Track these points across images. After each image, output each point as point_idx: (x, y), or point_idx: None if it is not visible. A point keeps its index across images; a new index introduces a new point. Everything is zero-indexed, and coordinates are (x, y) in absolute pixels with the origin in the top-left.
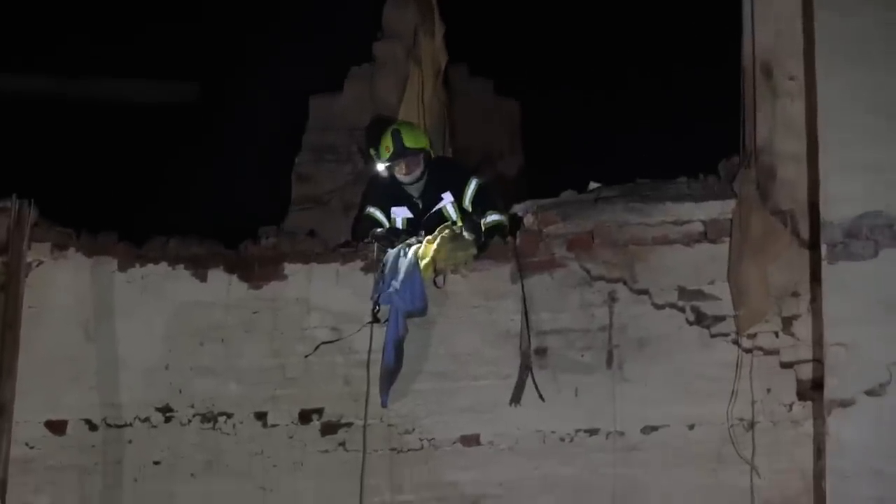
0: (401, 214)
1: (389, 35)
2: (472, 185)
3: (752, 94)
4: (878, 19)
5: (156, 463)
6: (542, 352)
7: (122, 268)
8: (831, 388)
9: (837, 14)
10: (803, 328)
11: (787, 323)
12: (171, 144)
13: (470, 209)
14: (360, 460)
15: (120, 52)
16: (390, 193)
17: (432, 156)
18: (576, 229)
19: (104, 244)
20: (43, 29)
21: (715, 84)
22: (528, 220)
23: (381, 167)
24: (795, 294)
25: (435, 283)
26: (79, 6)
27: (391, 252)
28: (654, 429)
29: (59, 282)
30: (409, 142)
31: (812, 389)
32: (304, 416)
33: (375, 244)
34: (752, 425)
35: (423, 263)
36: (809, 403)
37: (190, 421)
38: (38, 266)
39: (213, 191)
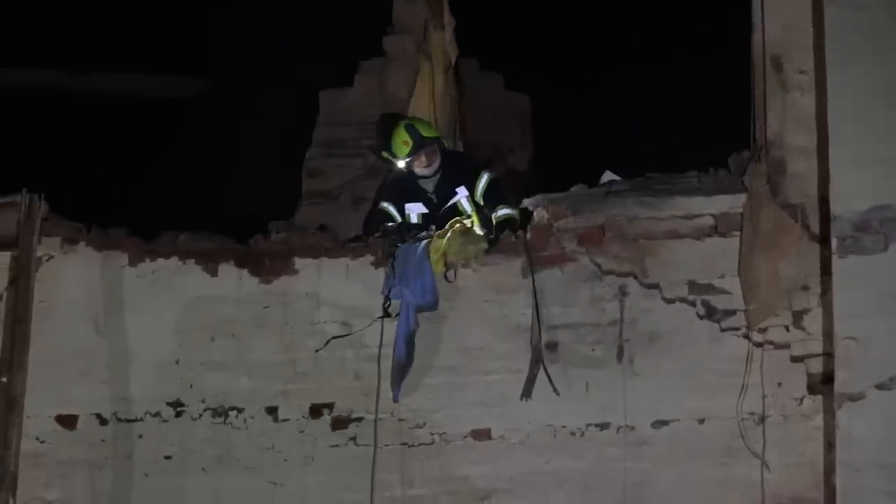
0: (416, 210)
1: (400, 29)
2: (484, 179)
3: (763, 87)
4: (888, 13)
5: (166, 457)
6: (552, 346)
7: (133, 262)
8: (842, 382)
9: (847, 7)
10: (814, 322)
11: (798, 317)
12: (181, 139)
13: (482, 203)
14: (370, 455)
15: (130, 47)
16: (404, 190)
17: (445, 145)
18: (586, 224)
19: (114, 239)
20: (54, 23)
21: (725, 78)
22: (539, 214)
23: (401, 164)
24: (806, 288)
25: (446, 277)
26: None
27: (402, 247)
28: (665, 423)
29: (70, 276)
30: (425, 132)
31: (822, 383)
32: (315, 411)
33: (386, 239)
34: (762, 419)
35: (433, 258)
36: (820, 397)
37: (201, 415)
38: (48, 260)
39: (224, 185)
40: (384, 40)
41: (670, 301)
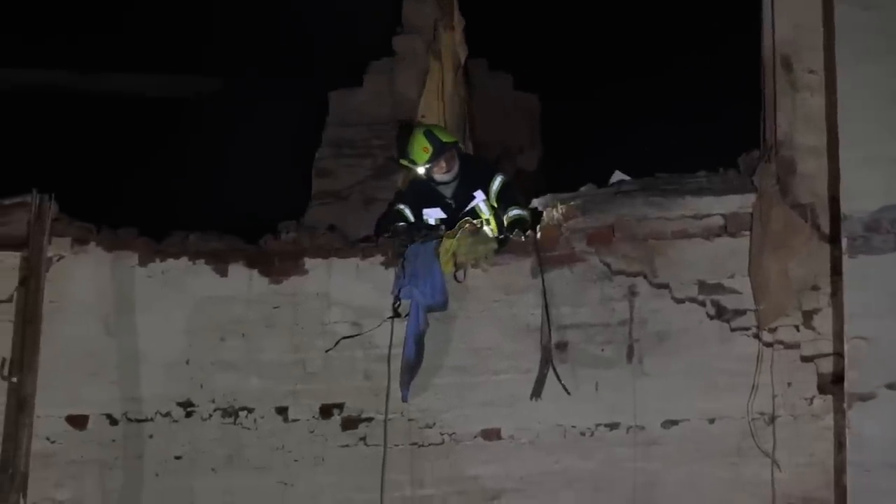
0: (434, 215)
1: (409, 29)
2: (497, 182)
3: (772, 87)
4: None
5: (177, 458)
6: (562, 346)
7: (143, 262)
8: (852, 382)
9: (857, 7)
10: (824, 322)
11: (808, 317)
12: (191, 139)
13: (495, 205)
14: (380, 455)
15: (139, 47)
16: (423, 195)
17: (462, 150)
18: (596, 223)
19: (124, 239)
20: (63, 23)
21: (735, 78)
22: (548, 214)
23: (421, 170)
24: (816, 288)
25: (455, 277)
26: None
27: (412, 247)
28: (675, 423)
29: (80, 276)
30: (444, 138)
31: (833, 383)
32: (325, 411)
33: (396, 239)
34: (772, 419)
35: (443, 258)
36: (830, 397)
37: (211, 416)
38: (58, 261)
39: (234, 185)
40: (394, 40)
41: (680, 301)
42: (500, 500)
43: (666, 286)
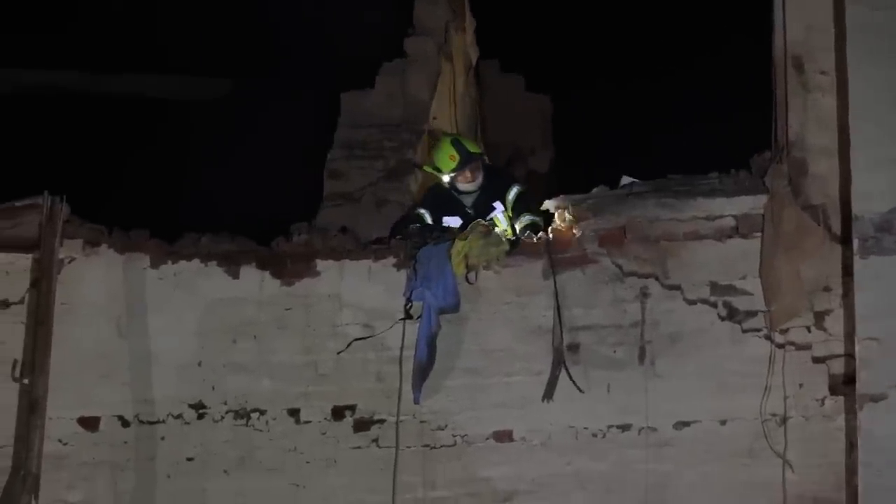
0: (452, 224)
1: (421, 31)
2: (513, 191)
3: (784, 88)
4: None
5: (189, 459)
6: (574, 348)
7: (155, 264)
8: (863, 383)
9: (869, 8)
10: (835, 323)
11: (819, 318)
12: (202, 141)
13: (510, 214)
14: (392, 457)
15: (150, 48)
16: (443, 203)
17: (486, 161)
18: (607, 225)
19: (136, 241)
20: (74, 24)
21: (746, 79)
22: (560, 215)
23: (445, 178)
24: (827, 289)
25: (467, 279)
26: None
27: (424, 248)
28: (687, 424)
29: (91, 278)
30: (471, 148)
31: (844, 384)
32: (337, 413)
33: (408, 241)
34: (784, 420)
35: (455, 260)
36: (841, 398)
37: (223, 417)
38: (70, 263)
39: (246, 187)
40: (405, 42)
41: (692, 302)
42: (512, 501)
43: (678, 287)
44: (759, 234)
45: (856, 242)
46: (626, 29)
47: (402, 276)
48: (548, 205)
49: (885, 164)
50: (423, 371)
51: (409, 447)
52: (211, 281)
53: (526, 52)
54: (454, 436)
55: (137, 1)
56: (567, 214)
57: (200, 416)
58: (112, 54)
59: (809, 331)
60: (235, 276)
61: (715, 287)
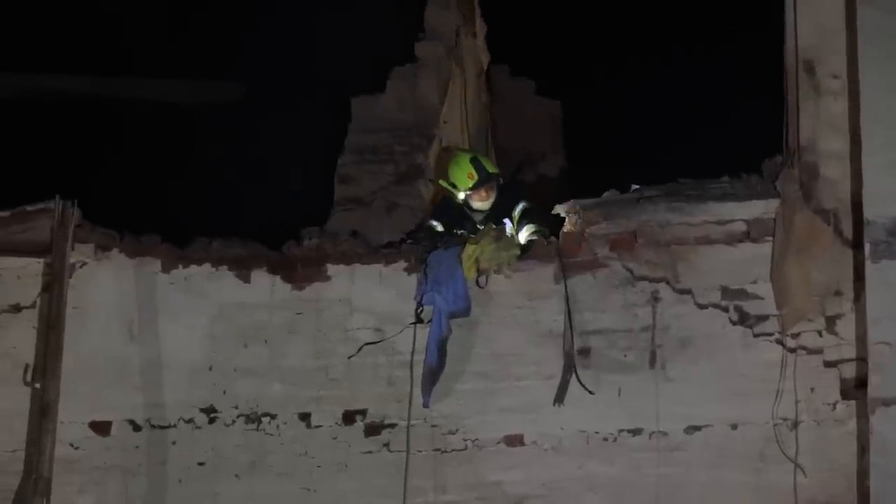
0: None
1: (431, 36)
2: (519, 207)
3: (795, 92)
4: None
5: (200, 464)
6: (585, 352)
7: (166, 269)
8: (875, 387)
9: (880, 11)
10: (847, 327)
11: (831, 322)
12: (213, 145)
13: (515, 229)
14: (403, 461)
15: (161, 53)
16: (454, 218)
17: (501, 181)
18: (618, 229)
19: (147, 245)
20: (86, 28)
21: (757, 83)
22: (571, 220)
23: (461, 195)
24: (839, 293)
25: (478, 283)
26: (124, 5)
27: (435, 253)
28: (698, 429)
29: (103, 283)
30: (489, 167)
31: (856, 388)
32: (348, 417)
33: (419, 245)
34: (795, 425)
35: (466, 264)
36: (853, 402)
37: (234, 422)
38: (81, 267)
39: (257, 192)
40: (416, 46)
41: (703, 307)
42: None
43: (689, 292)
44: (770, 238)
45: (867, 246)
46: (636, 33)
47: (413, 280)
48: (558, 209)
49: None
50: (433, 375)
51: (419, 451)
52: (222, 285)
53: (536, 57)
54: (465, 440)
55: (150, 5)
56: (578, 219)
57: (211, 421)
58: (124, 59)
59: (821, 335)
60: (246, 280)
61: (726, 291)
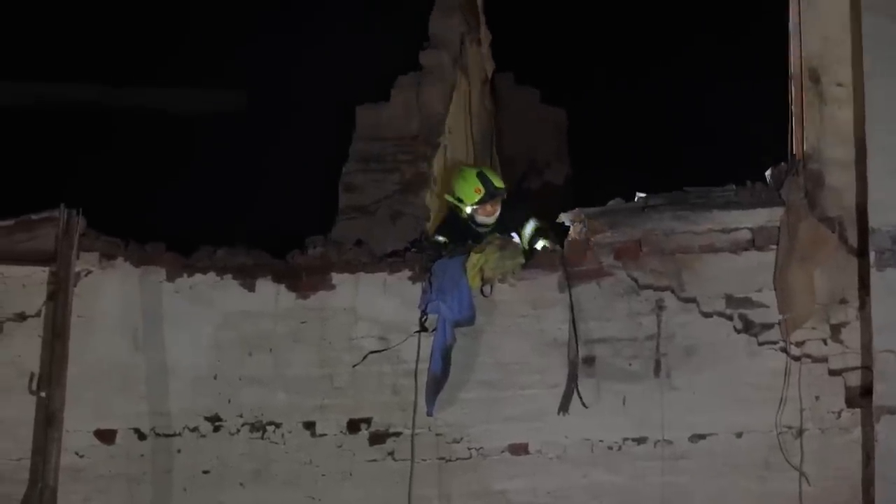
0: None
1: (436, 44)
2: (530, 226)
3: (800, 100)
4: None
5: (204, 472)
6: (589, 360)
7: (171, 277)
8: (880, 395)
9: (885, 19)
10: (852, 335)
11: (836, 330)
12: (218, 153)
13: (527, 249)
14: (408, 469)
15: (166, 62)
16: (459, 232)
17: (506, 196)
18: (623, 238)
19: (152, 254)
20: (89, 37)
21: (762, 91)
22: (576, 228)
23: (468, 210)
24: (844, 301)
25: (482, 291)
26: (128, 15)
27: (439, 261)
28: (702, 437)
29: (108, 291)
30: (496, 182)
31: (861, 396)
32: (353, 426)
33: (423, 254)
34: (800, 433)
35: (470, 273)
36: (858, 411)
37: (238, 430)
38: (86, 275)
39: (261, 200)
40: (420, 55)
41: (707, 315)
42: None
43: (693, 300)
44: (774, 246)
45: (872, 255)
46: (641, 41)
47: (418, 288)
48: (563, 218)
49: None
50: (436, 384)
51: (424, 460)
52: (226, 294)
53: (541, 65)
54: (469, 449)
55: (154, 14)
56: (583, 227)
57: (216, 429)
58: (129, 68)
59: (826, 343)
60: (251, 289)
61: (731, 300)
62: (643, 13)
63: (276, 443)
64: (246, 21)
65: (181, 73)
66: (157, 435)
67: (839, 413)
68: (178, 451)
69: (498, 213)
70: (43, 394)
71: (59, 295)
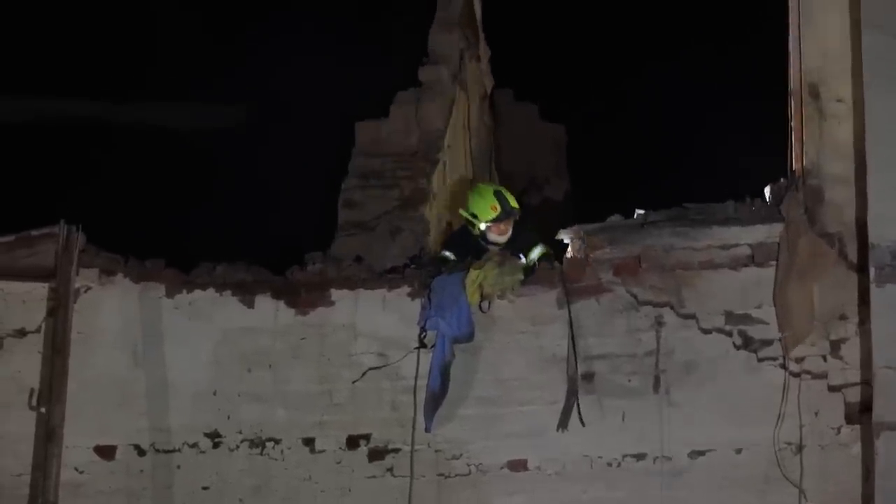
0: None
1: (435, 60)
2: (537, 251)
3: (800, 116)
4: None
5: (204, 488)
6: (589, 377)
7: (170, 294)
8: (879, 411)
9: (885, 35)
10: (851, 351)
11: (836, 346)
12: (218, 170)
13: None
14: (407, 486)
15: (166, 78)
16: (467, 250)
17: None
18: (622, 254)
19: (152, 270)
20: (89, 53)
21: (762, 107)
22: (575, 245)
23: (482, 227)
24: (843, 317)
25: (481, 308)
26: (127, 31)
27: (438, 278)
28: (702, 453)
29: (108, 307)
30: (512, 202)
31: (860, 413)
32: (352, 442)
33: (422, 270)
34: (800, 449)
35: (469, 289)
36: (857, 427)
37: (238, 446)
38: (86, 292)
39: (261, 217)
40: (420, 71)
41: (707, 331)
42: None
43: (693, 316)
44: (774, 262)
45: (872, 271)
46: (640, 58)
47: (417, 305)
48: (562, 234)
49: None
50: (435, 400)
51: (423, 476)
52: (226, 310)
53: (540, 81)
54: (469, 465)
55: (155, 31)
56: (582, 244)
57: (216, 445)
58: (128, 83)
59: (825, 359)
60: (250, 305)
61: (730, 316)
62: (642, 29)
63: (276, 459)
64: (246, 37)
65: (181, 89)
66: (157, 451)
67: (839, 429)
68: (178, 466)
69: (510, 233)
70: (43, 409)
71: (59, 311)
